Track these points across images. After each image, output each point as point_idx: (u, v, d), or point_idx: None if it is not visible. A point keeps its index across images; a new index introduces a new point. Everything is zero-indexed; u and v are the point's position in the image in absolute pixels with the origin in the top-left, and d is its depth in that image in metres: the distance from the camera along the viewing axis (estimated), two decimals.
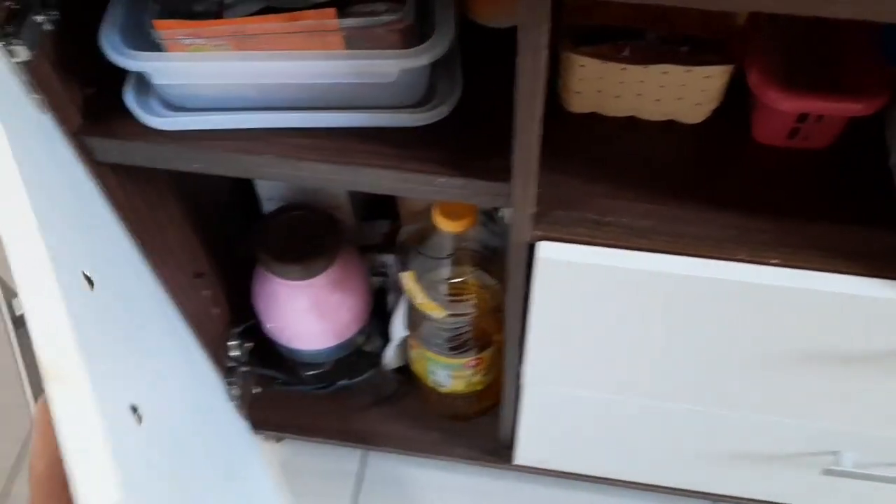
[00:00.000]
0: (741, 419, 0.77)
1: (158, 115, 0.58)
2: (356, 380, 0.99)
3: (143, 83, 0.59)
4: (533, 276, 0.63)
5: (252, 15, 0.54)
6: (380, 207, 1.03)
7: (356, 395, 1.04)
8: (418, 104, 0.59)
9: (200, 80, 0.56)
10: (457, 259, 0.80)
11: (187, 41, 0.53)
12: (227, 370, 0.93)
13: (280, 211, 0.89)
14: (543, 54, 0.46)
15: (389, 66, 0.54)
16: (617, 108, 0.65)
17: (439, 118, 0.58)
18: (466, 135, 0.60)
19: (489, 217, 0.81)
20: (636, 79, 0.61)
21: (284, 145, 0.59)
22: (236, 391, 0.96)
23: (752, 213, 0.60)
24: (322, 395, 1.03)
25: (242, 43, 0.54)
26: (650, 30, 0.61)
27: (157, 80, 0.56)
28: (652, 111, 0.64)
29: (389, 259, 1.03)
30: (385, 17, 0.53)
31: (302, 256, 0.85)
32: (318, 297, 0.89)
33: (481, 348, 0.89)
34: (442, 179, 0.58)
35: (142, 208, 0.69)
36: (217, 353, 0.90)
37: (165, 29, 0.52)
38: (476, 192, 0.58)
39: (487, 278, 0.82)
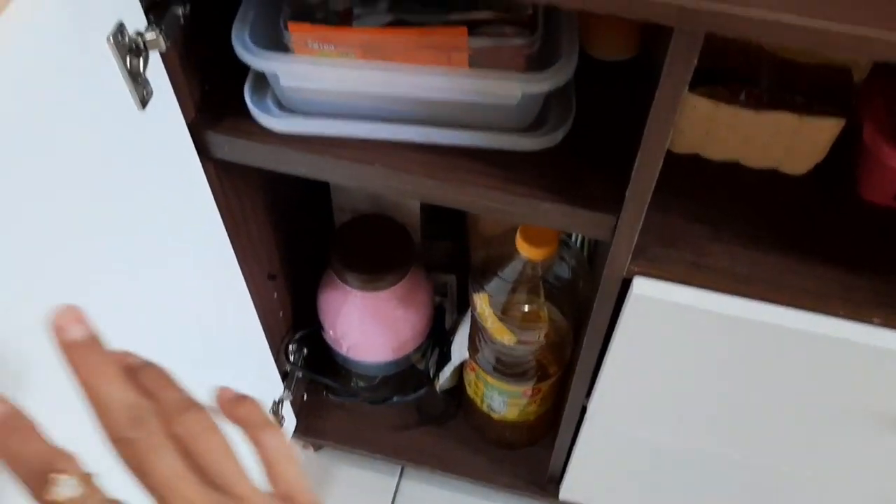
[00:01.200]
0: (807, 479, 0.76)
1: (275, 116, 0.58)
2: (408, 397, 0.99)
3: (258, 83, 0.60)
4: (622, 310, 0.63)
5: (383, 27, 0.55)
6: (444, 227, 1.03)
7: (403, 411, 1.03)
8: (530, 128, 0.59)
9: (325, 86, 0.57)
10: (531, 287, 0.79)
11: (315, 46, 0.54)
12: (284, 374, 0.93)
13: (357, 220, 0.89)
14: (684, 89, 0.46)
15: (514, 89, 0.54)
16: (721, 151, 0.65)
17: (552, 144, 0.58)
18: (573, 162, 0.60)
19: (564, 248, 0.81)
20: (747, 124, 0.61)
21: (393, 157, 0.59)
22: (288, 395, 0.96)
23: (854, 269, 0.60)
24: (369, 409, 1.03)
25: (369, 53, 0.54)
26: (766, 76, 0.60)
27: (284, 81, 0.56)
28: (757, 158, 0.64)
29: (450, 279, 1.03)
30: (516, 41, 0.53)
31: (374, 268, 0.86)
32: (385, 309, 0.89)
33: (540, 378, 0.88)
34: (547, 205, 0.58)
35: (234, 205, 0.70)
36: (277, 355, 0.90)
37: (299, 32, 0.53)
38: (580, 221, 0.58)
39: (555, 312, 0.82)
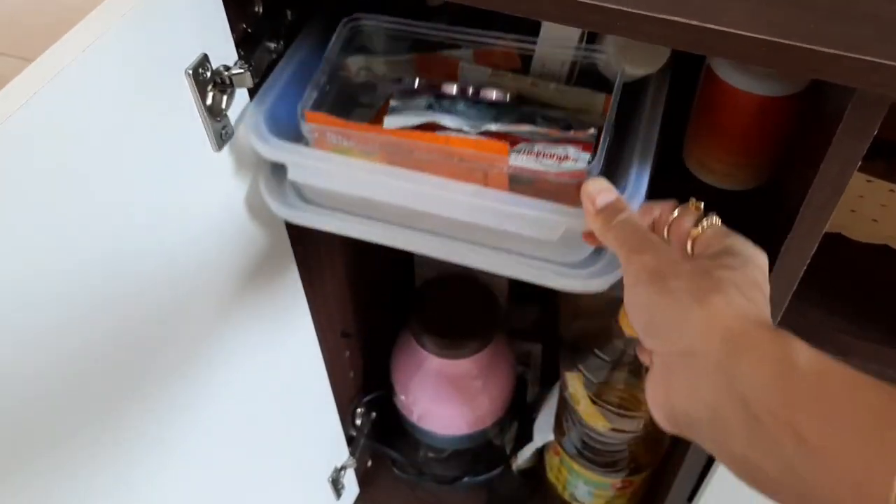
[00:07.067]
0: None
1: (288, 206, 0.50)
2: (480, 477, 0.91)
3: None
4: None
5: (415, 128, 0.47)
6: (533, 291, 0.96)
7: (474, 489, 0.95)
8: (582, 263, 0.48)
9: (337, 187, 0.48)
10: (632, 370, 0.71)
11: (334, 140, 0.46)
12: (349, 439, 0.87)
13: (440, 279, 0.83)
14: (854, 168, 0.38)
15: (555, 223, 0.44)
16: (870, 232, 0.56)
17: (599, 290, 0.47)
18: None
19: None
20: None
21: None
22: (351, 462, 0.89)
23: None
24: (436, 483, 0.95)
25: (394, 156, 0.45)
26: None
27: (293, 175, 0.48)
28: None
29: (535, 348, 0.95)
30: (566, 165, 0.45)
31: (455, 333, 0.79)
32: (463, 379, 0.82)
33: (633, 471, 0.79)
34: None
35: (311, 256, 0.64)
36: (344, 418, 0.84)
37: (315, 122, 0.45)
38: None
39: None
